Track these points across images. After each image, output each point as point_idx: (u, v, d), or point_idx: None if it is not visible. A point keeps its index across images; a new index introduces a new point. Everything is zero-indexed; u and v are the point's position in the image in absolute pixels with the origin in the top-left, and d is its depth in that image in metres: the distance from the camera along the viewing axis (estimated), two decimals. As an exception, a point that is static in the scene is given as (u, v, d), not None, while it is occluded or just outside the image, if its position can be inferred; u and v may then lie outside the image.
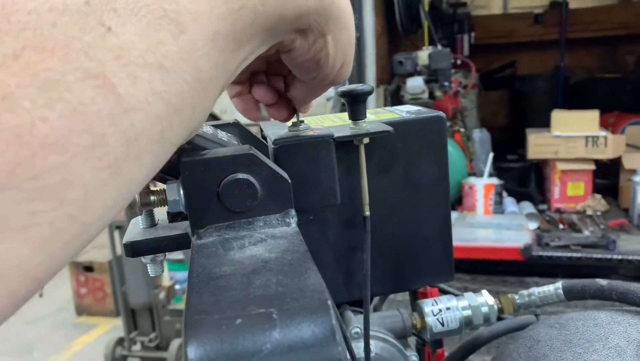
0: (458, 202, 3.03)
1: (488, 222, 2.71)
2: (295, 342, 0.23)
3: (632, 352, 0.51)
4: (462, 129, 3.29)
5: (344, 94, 0.58)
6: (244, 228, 0.33)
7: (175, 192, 0.34)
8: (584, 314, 0.58)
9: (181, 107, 0.26)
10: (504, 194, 3.16)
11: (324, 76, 0.40)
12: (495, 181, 2.96)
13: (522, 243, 2.61)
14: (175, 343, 3.12)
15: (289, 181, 0.34)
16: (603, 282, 0.60)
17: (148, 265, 0.41)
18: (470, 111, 3.88)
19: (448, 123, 3.27)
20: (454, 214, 2.83)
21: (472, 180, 2.94)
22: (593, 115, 3.13)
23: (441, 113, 0.64)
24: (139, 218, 0.41)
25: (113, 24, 0.23)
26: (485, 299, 0.65)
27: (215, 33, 0.27)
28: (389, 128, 0.59)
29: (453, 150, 3.09)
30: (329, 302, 0.24)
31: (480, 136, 3.44)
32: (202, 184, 0.33)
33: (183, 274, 3.38)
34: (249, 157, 0.33)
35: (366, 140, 0.59)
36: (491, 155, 3.12)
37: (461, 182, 2.99)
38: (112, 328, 3.68)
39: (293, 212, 0.34)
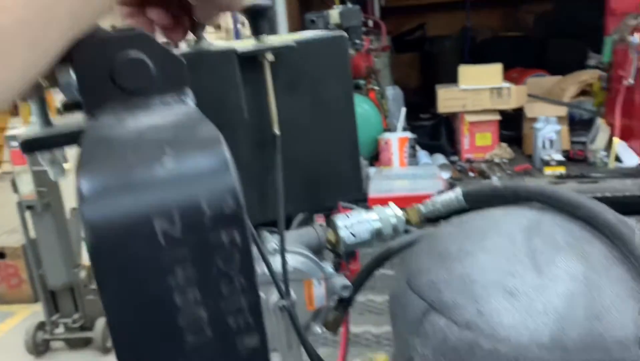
0: (375, 158, 3.11)
1: (404, 173, 2.81)
2: (189, 170, 0.24)
3: (521, 237, 0.55)
4: (376, 87, 3.36)
5: (245, 11, 0.58)
6: (139, 108, 0.33)
7: (67, 74, 0.33)
8: (481, 212, 0.63)
9: (56, 16, 0.26)
10: (418, 148, 3.27)
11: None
12: (409, 134, 3.07)
13: (436, 191, 2.73)
14: (101, 322, 3.03)
15: (184, 61, 0.34)
16: (497, 182, 0.64)
17: (48, 169, 0.40)
18: (383, 71, 3.96)
19: (362, 82, 3.33)
20: (372, 170, 2.91)
21: (387, 135, 3.02)
22: (497, 68, 3.29)
23: (343, 33, 0.66)
24: (34, 119, 0.40)
25: None
26: (393, 211, 0.69)
27: None
28: (292, 43, 0.60)
29: (369, 108, 3.15)
30: (222, 139, 0.25)
31: (393, 93, 3.53)
32: (95, 64, 0.32)
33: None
34: (141, 36, 0.33)
35: (271, 57, 0.59)
36: (403, 110, 3.22)
37: (377, 138, 3.06)
38: (31, 314, 3.51)
39: (189, 91, 0.34)
